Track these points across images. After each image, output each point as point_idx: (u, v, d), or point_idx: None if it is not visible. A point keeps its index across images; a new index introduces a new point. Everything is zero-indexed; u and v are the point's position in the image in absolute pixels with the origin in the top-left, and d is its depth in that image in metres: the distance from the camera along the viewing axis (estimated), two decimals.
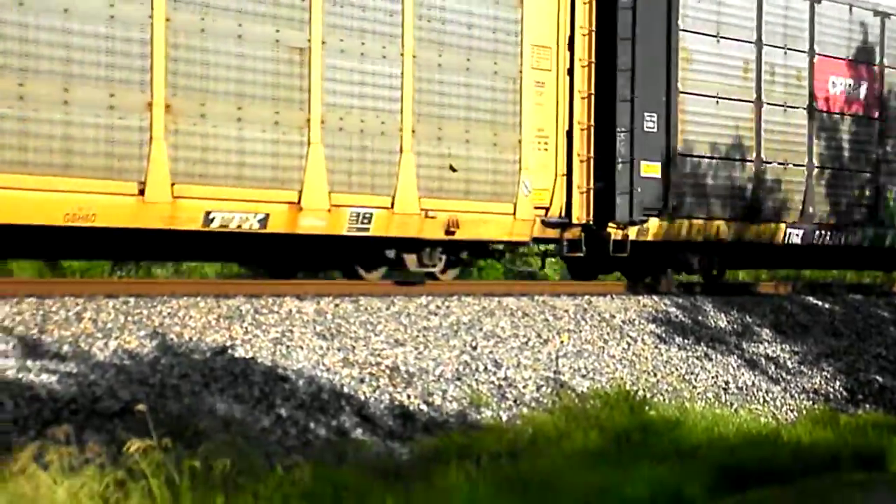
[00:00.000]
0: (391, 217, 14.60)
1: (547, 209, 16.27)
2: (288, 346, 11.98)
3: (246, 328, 12.12)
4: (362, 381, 11.83)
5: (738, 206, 18.49)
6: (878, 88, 20.59)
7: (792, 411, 14.85)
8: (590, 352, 14.20)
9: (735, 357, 15.50)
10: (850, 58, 20.13)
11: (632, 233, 17.09)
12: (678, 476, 10.45)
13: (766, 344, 16.23)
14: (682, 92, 17.72)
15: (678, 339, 15.32)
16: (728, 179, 18.35)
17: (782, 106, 19.10)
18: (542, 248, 17.58)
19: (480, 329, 13.78)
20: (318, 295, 13.64)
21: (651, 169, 17.31)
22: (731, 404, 14.36)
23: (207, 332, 11.80)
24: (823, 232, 19.63)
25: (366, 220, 14.37)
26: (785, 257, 20.64)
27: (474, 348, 13.27)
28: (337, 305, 13.34)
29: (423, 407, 11.80)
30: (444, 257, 15.65)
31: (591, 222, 16.71)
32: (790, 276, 24.52)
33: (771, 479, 11.20)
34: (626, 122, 17.04)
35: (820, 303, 18.42)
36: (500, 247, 16.88)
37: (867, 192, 20.38)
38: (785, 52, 19.14)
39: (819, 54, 19.60)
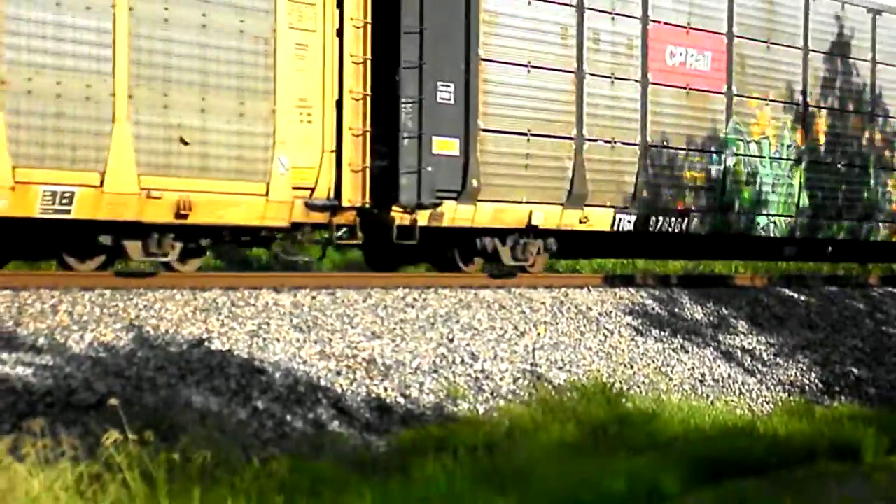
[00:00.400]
0: (100, 197, 12.42)
1: (312, 190, 14.19)
2: (265, 339, 11.95)
3: (222, 321, 12.09)
4: (339, 373, 11.82)
5: (556, 189, 16.47)
6: (724, 60, 18.49)
7: (768, 403, 14.90)
8: (566, 344, 14.21)
9: (711, 349, 15.54)
10: (693, 26, 17.99)
11: (422, 217, 15.08)
12: (655, 468, 10.49)
13: (742, 336, 16.28)
14: (484, 59, 15.63)
15: (655, 332, 15.35)
16: (543, 159, 16.29)
17: (609, 77, 17.02)
18: (325, 234, 14.94)
19: (457, 321, 13.78)
20: (294, 287, 13.61)
21: (446, 145, 15.27)
22: (708, 396, 14.41)
23: (184, 325, 11.77)
24: (661, 218, 17.72)
25: (66, 201, 12.17)
26: (620, 246, 18.83)
27: (451, 341, 13.27)
28: (314, 298, 13.32)
29: (400, 399, 11.79)
30: (178, 245, 13.37)
31: (369, 205, 14.61)
32: (768, 268, 24.58)
33: (747, 471, 11.23)
34: (414, 91, 14.93)
35: (796, 295, 18.47)
36: (266, 233, 14.52)
37: (713, 174, 18.35)
38: (613, 18, 17.05)
39: (654, 21, 17.48)
